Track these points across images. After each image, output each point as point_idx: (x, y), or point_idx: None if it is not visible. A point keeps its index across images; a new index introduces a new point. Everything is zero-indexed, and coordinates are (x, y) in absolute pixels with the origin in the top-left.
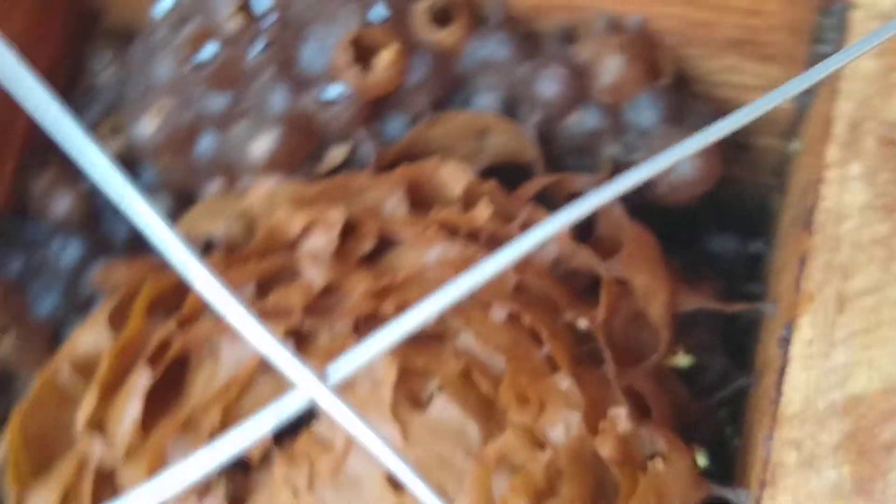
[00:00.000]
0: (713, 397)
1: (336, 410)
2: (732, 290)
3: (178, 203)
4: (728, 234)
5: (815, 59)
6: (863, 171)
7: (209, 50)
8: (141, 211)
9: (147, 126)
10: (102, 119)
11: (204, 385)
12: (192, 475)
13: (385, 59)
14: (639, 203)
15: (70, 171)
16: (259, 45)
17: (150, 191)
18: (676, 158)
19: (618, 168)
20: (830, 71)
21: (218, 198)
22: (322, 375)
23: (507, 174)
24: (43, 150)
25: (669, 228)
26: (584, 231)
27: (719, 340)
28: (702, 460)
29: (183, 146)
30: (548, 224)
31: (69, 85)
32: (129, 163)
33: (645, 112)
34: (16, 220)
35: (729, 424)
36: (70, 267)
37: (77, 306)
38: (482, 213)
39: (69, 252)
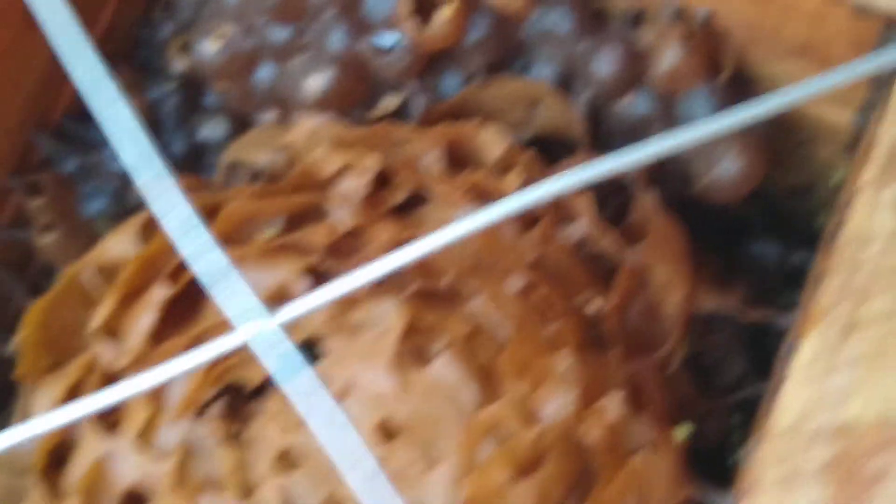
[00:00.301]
0: (724, 400)
1: (278, 350)
2: (767, 298)
3: (236, 127)
4: (774, 242)
5: (878, 79)
6: None
7: None
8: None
9: (209, 48)
10: (176, 35)
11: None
12: (135, 387)
13: (444, 14)
14: (687, 199)
15: (137, 81)
16: None
17: (210, 113)
18: (706, 133)
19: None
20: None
21: (269, 128)
22: (270, 315)
23: (555, 147)
24: (115, 57)
25: (718, 227)
26: (617, 215)
27: (741, 345)
28: (682, 432)
29: (241, 72)
30: (551, 182)
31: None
32: (195, 83)
33: (698, 105)
34: (80, 122)
35: (739, 429)
36: (122, 173)
37: (126, 211)
38: (512, 181)
39: None
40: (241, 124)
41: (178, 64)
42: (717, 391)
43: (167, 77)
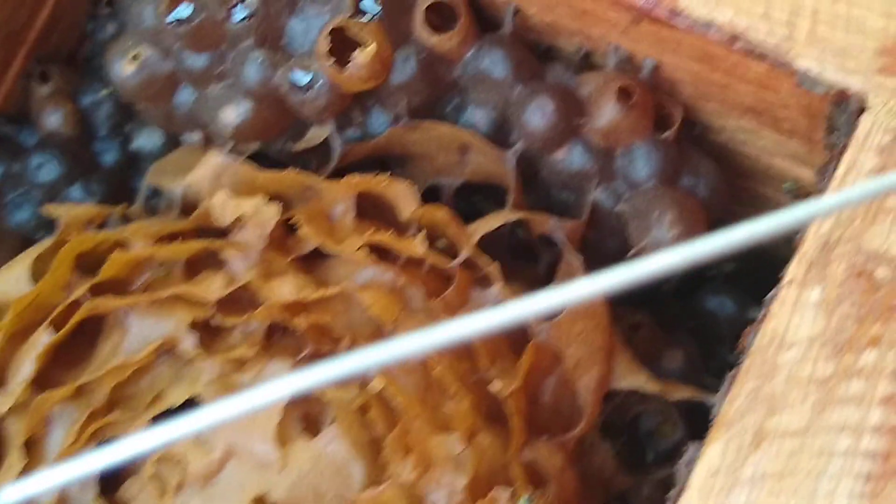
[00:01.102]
0: (653, 473)
1: None
2: (715, 355)
3: (170, 139)
4: (729, 296)
5: (832, 147)
6: (822, 299)
7: (184, 10)
8: None
9: (124, 69)
10: (113, 39)
11: (106, 356)
12: None
13: (360, 58)
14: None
15: (70, 88)
16: (242, 12)
17: (145, 121)
18: (660, 266)
19: (599, 215)
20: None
21: (190, 151)
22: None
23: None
24: (50, 61)
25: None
26: (546, 275)
27: (678, 410)
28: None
29: (160, 95)
30: (478, 318)
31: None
32: None
33: (638, 163)
34: (11, 125)
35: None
36: (47, 183)
37: (52, 223)
38: (417, 247)
39: (46, 169)
40: (174, 137)
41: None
42: (654, 460)
43: (103, 80)
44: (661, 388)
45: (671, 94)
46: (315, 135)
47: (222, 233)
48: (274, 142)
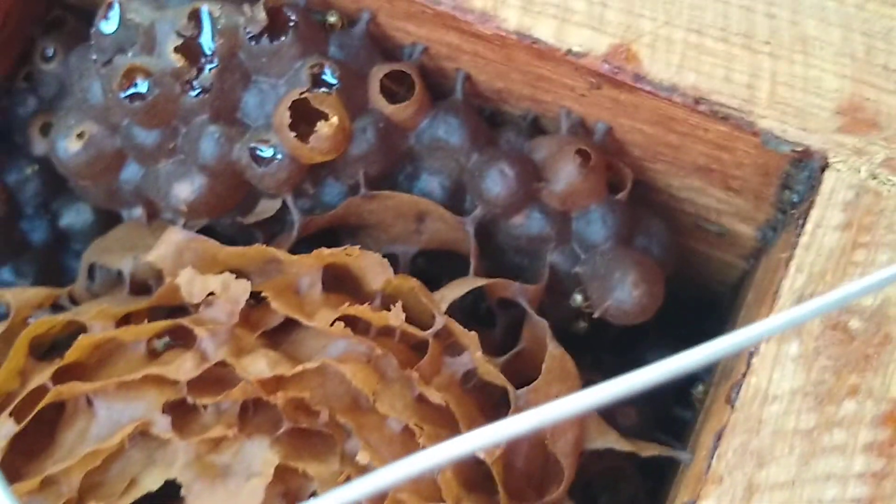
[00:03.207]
0: None
1: None
2: (662, 412)
3: (99, 215)
4: (668, 348)
5: (783, 204)
6: (801, 353)
7: (141, 86)
8: None
9: (69, 147)
10: (39, 112)
11: (73, 442)
12: None
13: (324, 131)
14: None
15: None
16: (198, 88)
17: (74, 197)
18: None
19: (555, 277)
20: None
21: (134, 228)
22: None
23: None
24: None
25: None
26: (502, 339)
27: (632, 467)
28: None
29: (105, 172)
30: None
31: (14, 68)
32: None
33: (594, 226)
34: None
35: None
36: None
37: None
38: (395, 318)
39: None
40: (105, 212)
41: (40, 146)
42: None
43: (28, 156)
44: (633, 447)
45: (620, 156)
46: (267, 207)
47: (181, 309)
48: (222, 217)
